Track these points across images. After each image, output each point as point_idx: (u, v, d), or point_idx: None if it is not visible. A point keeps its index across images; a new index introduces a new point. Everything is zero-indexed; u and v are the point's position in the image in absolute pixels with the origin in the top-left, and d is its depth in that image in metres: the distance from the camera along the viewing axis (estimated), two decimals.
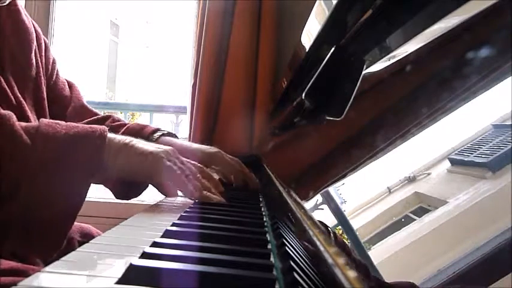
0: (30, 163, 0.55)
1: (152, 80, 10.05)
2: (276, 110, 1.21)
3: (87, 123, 0.94)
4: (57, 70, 0.96)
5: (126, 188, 0.74)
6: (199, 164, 0.71)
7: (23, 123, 0.59)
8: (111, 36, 9.26)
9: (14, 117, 0.58)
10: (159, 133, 0.90)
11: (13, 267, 0.65)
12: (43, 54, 0.91)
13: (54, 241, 0.57)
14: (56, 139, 0.57)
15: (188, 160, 0.70)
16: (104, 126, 0.62)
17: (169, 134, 0.92)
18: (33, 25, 0.89)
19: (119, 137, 0.63)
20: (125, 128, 0.93)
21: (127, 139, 0.64)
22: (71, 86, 0.99)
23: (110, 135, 0.62)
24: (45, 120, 0.60)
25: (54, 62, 0.95)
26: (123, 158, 0.62)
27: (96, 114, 0.99)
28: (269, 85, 1.45)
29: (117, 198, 0.75)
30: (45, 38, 0.94)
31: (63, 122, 0.61)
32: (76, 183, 0.57)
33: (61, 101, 0.95)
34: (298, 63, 0.72)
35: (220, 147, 1.46)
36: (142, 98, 8.94)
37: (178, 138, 0.93)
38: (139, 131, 0.91)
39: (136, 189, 0.74)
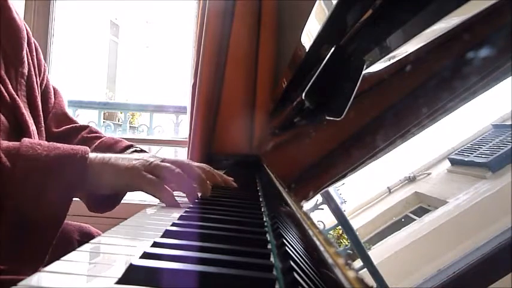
0: (11, 185, 0.56)
1: (152, 80, 10.06)
2: (276, 110, 1.21)
3: (65, 130, 0.95)
4: (47, 76, 0.97)
5: (99, 202, 0.75)
6: (184, 161, 0.73)
7: (4, 143, 0.59)
8: (111, 36, 9.26)
9: None
10: (130, 150, 0.92)
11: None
12: (34, 55, 0.91)
13: (37, 256, 0.58)
14: (37, 161, 0.58)
15: (168, 159, 0.70)
16: (85, 147, 0.63)
17: (142, 151, 0.93)
18: (24, 25, 0.88)
19: (99, 156, 0.65)
20: (99, 141, 0.94)
21: (106, 157, 0.65)
22: (55, 92, 0.99)
23: (91, 155, 0.63)
24: (27, 141, 0.61)
25: (45, 66, 0.96)
26: (106, 176, 0.63)
27: (76, 122, 0.99)
28: (269, 85, 1.45)
29: (90, 210, 0.76)
30: (35, 40, 0.94)
31: (44, 143, 0.62)
32: (57, 203, 0.58)
33: (46, 107, 0.95)
34: (298, 63, 0.72)
35: (220, 147, 1.47)
36: (142, 98, 8.94)
37: (147, 152, 0.93)
38: (112, 145, 0.92)
39: (111, 202, 0.75)
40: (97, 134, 0.98)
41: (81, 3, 7.11)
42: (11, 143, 0.60)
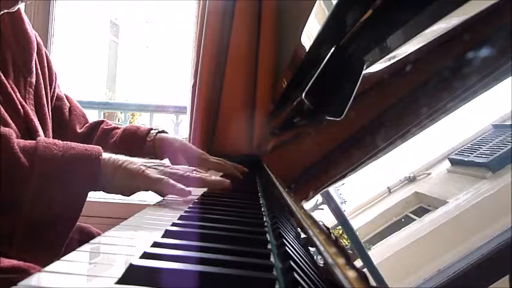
0: (29, 184, 0.59)
1: (152, 80, 10.05)
2: (276, 110, 1.21)
3: (87, 128, 1.03)
4: (57, 84, 1.02)
5: None
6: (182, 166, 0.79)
7: (22, 142, 0.62)
8: (111, 36, 9.25)
9: (14, 136, 0.62)
10: (153, 132, 1.00)
11: (14, 265, 0.67)
12: (45, 65, 0.95)
13: (52, 249, 0.60)
14: (54, 161, 0.61)
15: (170, 165, 0.75)
16: (98, 148, 0.67)
17: (163, 132, 1.02)
18: (35, 36, 0.93)
19: (112, 158, 0.68)
20: (121, 130, 1.02)
21: (119, 160, 0.69)
22: (67, 97, 1.06)
23: (105, 155, 0.67)
24: (43, 140, 0.64)
25: (56, 75, 1.01)
26: (119, 178, 0.67)
27: (88, 121, 1.08)
28: (269, 85, 1.44)
29: None
30: (46, 50, 0.98)
31: (60, 142, 0.65)
32: (72, 200, 0.61)
33: (62, 113, 1.01)
34: (298, 63, 0.72)
35: (220, 148, 1.47)
36: (142, 98, 8.93)
37: (168, 133, 1.03)
38: (136, 131, 1.00)
39: None
40: (113, 125, 1.06)
41: (81, 3, 7.10)
42: (27, 142, 0.63)
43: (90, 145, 0.67)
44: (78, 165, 0.62)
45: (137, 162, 0.70)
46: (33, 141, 0.63)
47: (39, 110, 0.88)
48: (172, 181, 0.67)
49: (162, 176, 0.68)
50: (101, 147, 0.67)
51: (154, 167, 0.70)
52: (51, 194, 0.59)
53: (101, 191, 0.70)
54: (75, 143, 0.66)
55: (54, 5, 1.70)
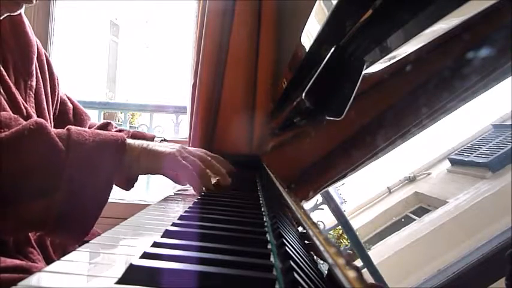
0: (65, 168, 0.63)
1: (152, 80, 10.05)
2: (275, 110, 1.21)
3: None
4: (59, 86, 1.05)
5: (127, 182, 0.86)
6: (204, 151, 0.85)
7: (55, 130, 0.67)
8: (111, 36, 9.25)
9: (48, 124, 0.67)
10: (158, 138, 1.05)
11: (16, 264, 0.68)
12: (46, 70, 0.97)
13: (82, 230, 0.65)
14: (86, 146, 0.66)
15: (195, 149, 0.83)
16: (122, 134, 0.72)
17: (164, 140, 1.06)
18: (36, 41, 0.95)
19: (137, 142, 0.74)
20: (130, 134, 1.05)
21: (144, 143, 0.74)
22: (69, 99, 1.09)
23: (129, 141, 0.72)
24: (73, 128, 0.69)
25: (58, 80, 1.03)
26: (145, 159, 0.72)
27: (90, 119, 1.12)
28: (269, 85, 1.44)
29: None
30: (47, 55, 1.00)
31: (88, 130, 0.70)
32: (102, 182, 0.66)
33: (67, 117, 1.05)
34: (298, 63, 0.72)
35: (220, 147, 1.47)
36: (142, 98, 8.94)
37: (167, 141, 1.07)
38: (144, 136, 1.05)
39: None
40: (118, 128, 1.11)
41: (81, 3, 7.10)
42: (59, 130, 0.68)
43: (114, 132, 0.72)
44: (107, 149, 0.67)
45: (163, 145, 0.76)
46: (64, 130, 0.68)
47: (39, 113, 0.89)
48: (197, 178, 0.73)
49: (190, 167, 0.73)
50: (124, 135, 0.71)
51: (178, 149, 0.76)
52: (84, 176, 0.64)
53: (129, 173, 0.76)
54: (102, 131, 0.71)
55: (54, 5, 1.70)
